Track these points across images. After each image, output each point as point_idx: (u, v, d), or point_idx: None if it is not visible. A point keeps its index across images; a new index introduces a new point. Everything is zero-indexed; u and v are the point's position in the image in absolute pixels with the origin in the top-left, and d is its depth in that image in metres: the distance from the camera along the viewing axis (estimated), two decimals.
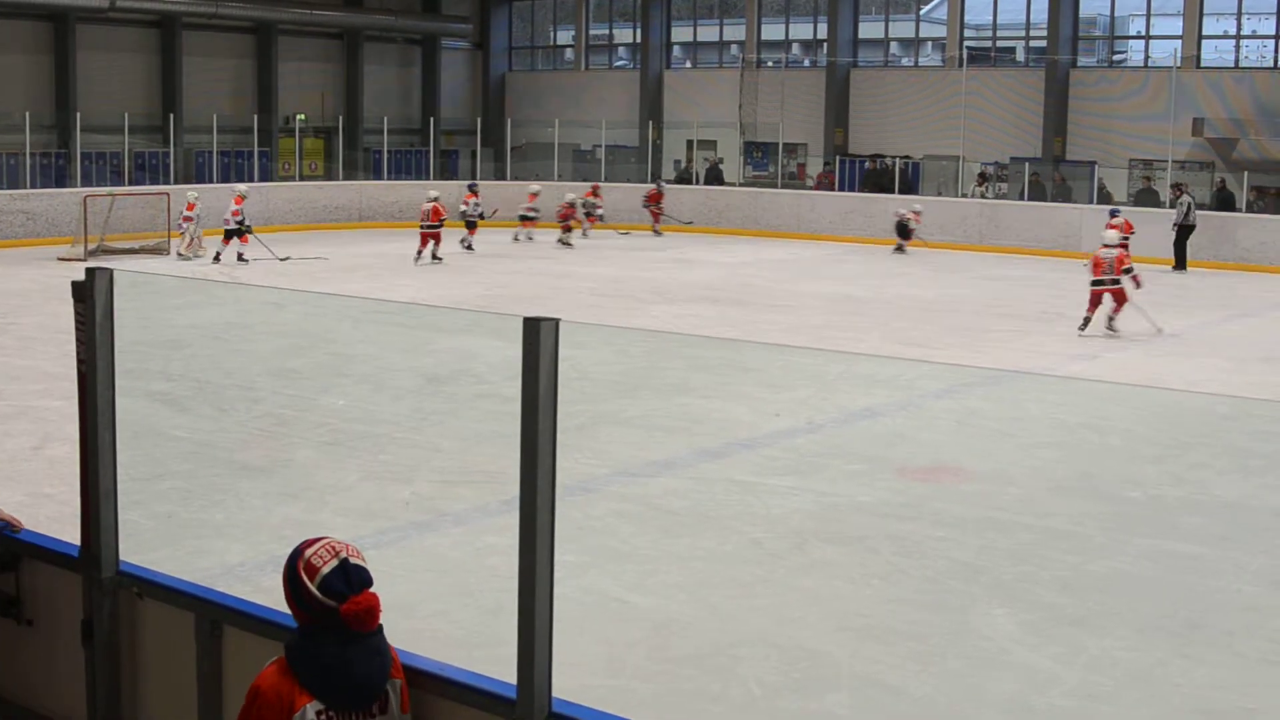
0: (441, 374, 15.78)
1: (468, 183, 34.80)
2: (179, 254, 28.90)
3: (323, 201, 37.74)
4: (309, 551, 3.88)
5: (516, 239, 33.92)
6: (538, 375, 3.68)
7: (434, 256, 28.50)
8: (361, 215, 38.06)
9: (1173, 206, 31.34)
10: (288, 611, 4.13)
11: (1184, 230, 30.26)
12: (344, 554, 3.86)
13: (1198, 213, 30.70)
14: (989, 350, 19.33)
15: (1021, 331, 21.34)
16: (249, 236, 28.27)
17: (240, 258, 28.06)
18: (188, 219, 29.18)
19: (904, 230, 33.33)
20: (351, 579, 3.83)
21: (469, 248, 30.41)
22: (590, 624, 7.75)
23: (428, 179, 40.30)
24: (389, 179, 40.34)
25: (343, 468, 11.39)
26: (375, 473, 11.26)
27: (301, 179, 40.32)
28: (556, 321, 3.69)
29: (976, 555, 9.48)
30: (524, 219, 34.23)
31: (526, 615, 3.86)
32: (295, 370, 15.93)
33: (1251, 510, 10.86)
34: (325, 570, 3.82)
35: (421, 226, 28.76)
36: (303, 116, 42.88)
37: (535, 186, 35.37)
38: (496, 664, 4.19)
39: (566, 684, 4.10)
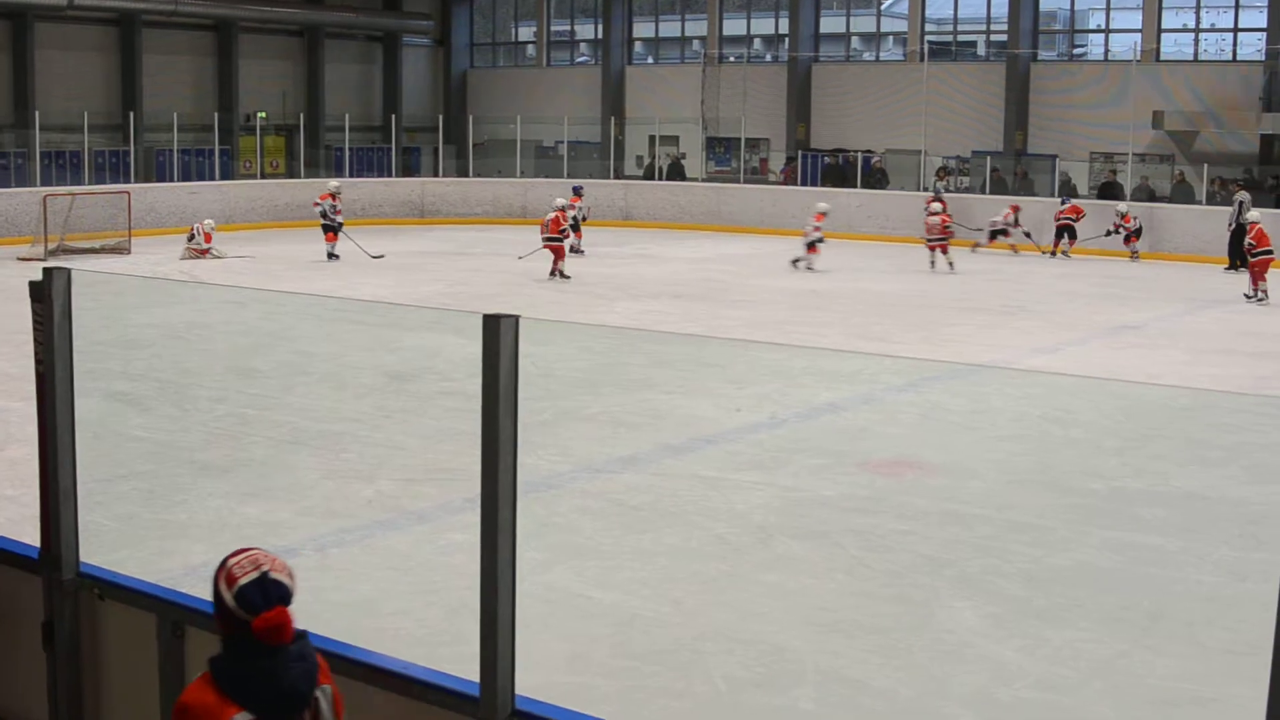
0: (404, 372, 15.75)
1: (574, 184, 34.45)
2: (189, 253, 28.74)
3: (284, 200, 37.56)
4: (232, 561, 3.81)
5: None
6: (498, 372, 3.68)
7: (561, 274, 25.58)
8: (323, 213, 37.91)
9: (1225, 205, 30.73)
10: None
11: (1240, 230, 29.64)
12: (266, 567, 3.78)
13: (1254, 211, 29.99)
14: (951, 344, 19.39)
15: (984, 325, 21.40)
16: (336, 234, 28.38)
17: (331, 255, 28.24)
18: (205, 249, 28.90)
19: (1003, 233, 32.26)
20: (269, 593, 3.73)
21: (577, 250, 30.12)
22: (554, 621, 7.74)
23: (389, 176, 40.22)
24: (351, 176, 40.21)
25: (305, 466, 11.36)
26: (337, 471, 11.22)
27: (263, 177, 40.19)
28: (516, 318, 3.69)
29: (940, 549, 9.51)
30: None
31: (489, 613, 3.86)
32: (257, 369, 15.88)
33: (1211, 501, 10.93)
34: (243, 581, 3.74)
35: (544, 239, 25.96)
36: (264, 114, 42.72)
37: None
38: (460, 662, 4.19)
39: (530, 681, 4.10)
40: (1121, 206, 31.78)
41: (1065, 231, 31.95)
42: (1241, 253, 28.66)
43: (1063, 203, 32.62)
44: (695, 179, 41.47)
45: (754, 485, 10.93)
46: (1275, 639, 2.85)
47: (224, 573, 3.78)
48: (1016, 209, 32.44)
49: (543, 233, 26.00)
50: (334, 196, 28.71)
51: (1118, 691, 7.21)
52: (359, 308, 21.55)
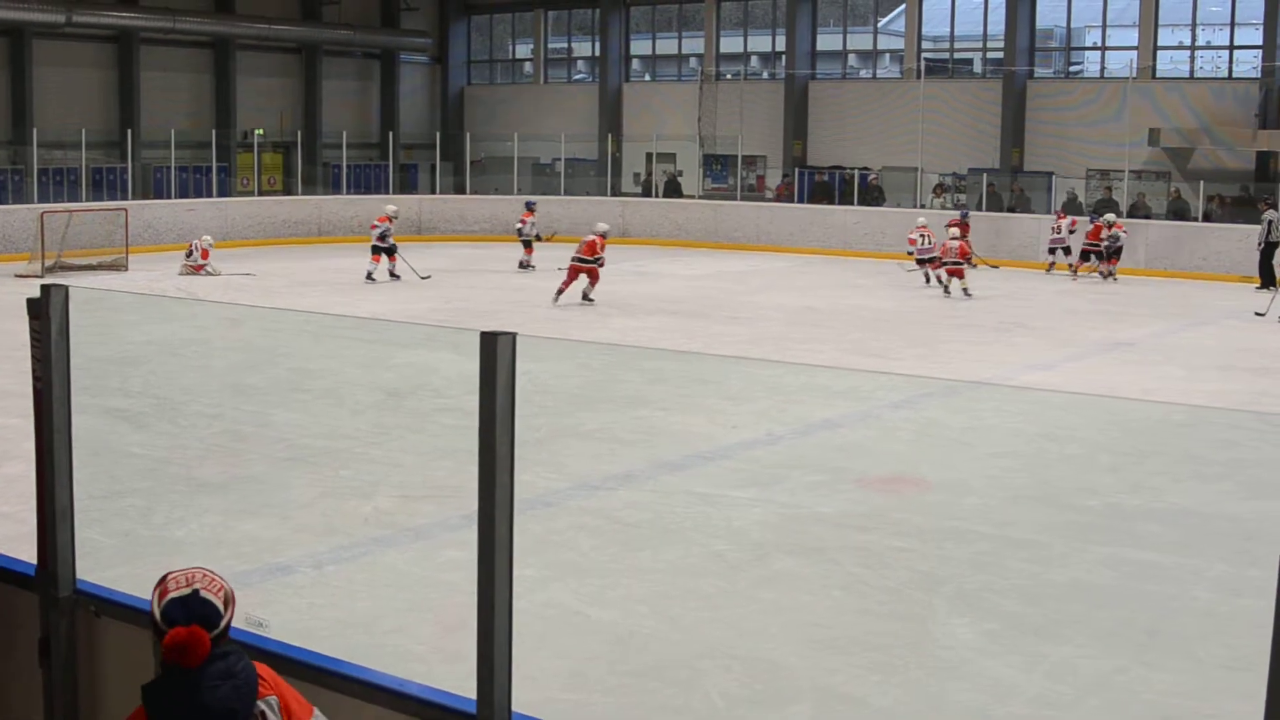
0: (401, 388, 15.75)
1: (526, 200, 34.55)
2: (187, 269, 28.73)
3: (282, 216, 37.60)
4: (171, 575, 3.73)
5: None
6: (495, 389, 3.68)
7: (585, 297, 24.96)
8: (320, 230, 37.93)
9: (1221, 223, 30.65)
10: (242, 628, 4.13)
11: (1270, 247, 29.52)
12: (198, 585, 3.68)
13: None
14: (947, 361, 19.40)
15: (981, 342, 21.42)
16: (396, 255, 28.31)
17: (392, 274, 28.19)
18: (201, 266, 28.92)
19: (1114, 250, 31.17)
20: (190, 611, 3.63)
21: (524, 266, 30.28)
22: (551, 638, 7.74)
23: (387, 194, 40.24)
24: (348, 194, 40.25)
25: (302, 483, 11.36)
26: (335, 488, 11.22)
27: (260, 194, 40.17)
28: (513, 335, 3.69)
29: (937, 565, 9.51)
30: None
31: (486, 630, 3.85)
32: (253, 386, 15.87)
33: (1208, 517, 10.92)
34: (171, 596, 3.66)
35: (576, 260, 25.20)
36: (261, 131, 42.74)
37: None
38: (457, 679, 4.18)
39: (528, 698, 4.10)
40: (1110, 217, 31.71)
41: (1091, 252, 31.49)
42: (1272, 271, 28.69)
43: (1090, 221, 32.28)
44: (692, 196, 41.53)
45: (751, 502, 10.93)
46: (1271, 655, 2.86)
47: (160, 585, 3.72)
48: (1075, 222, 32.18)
49: (576, 253, 25.29)
50: (391, 220, 28.56)
51: (1115, 708, 7.21)
52: (356, 324, 21.55)
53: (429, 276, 28.09)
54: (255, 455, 12.51)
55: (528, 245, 30.91)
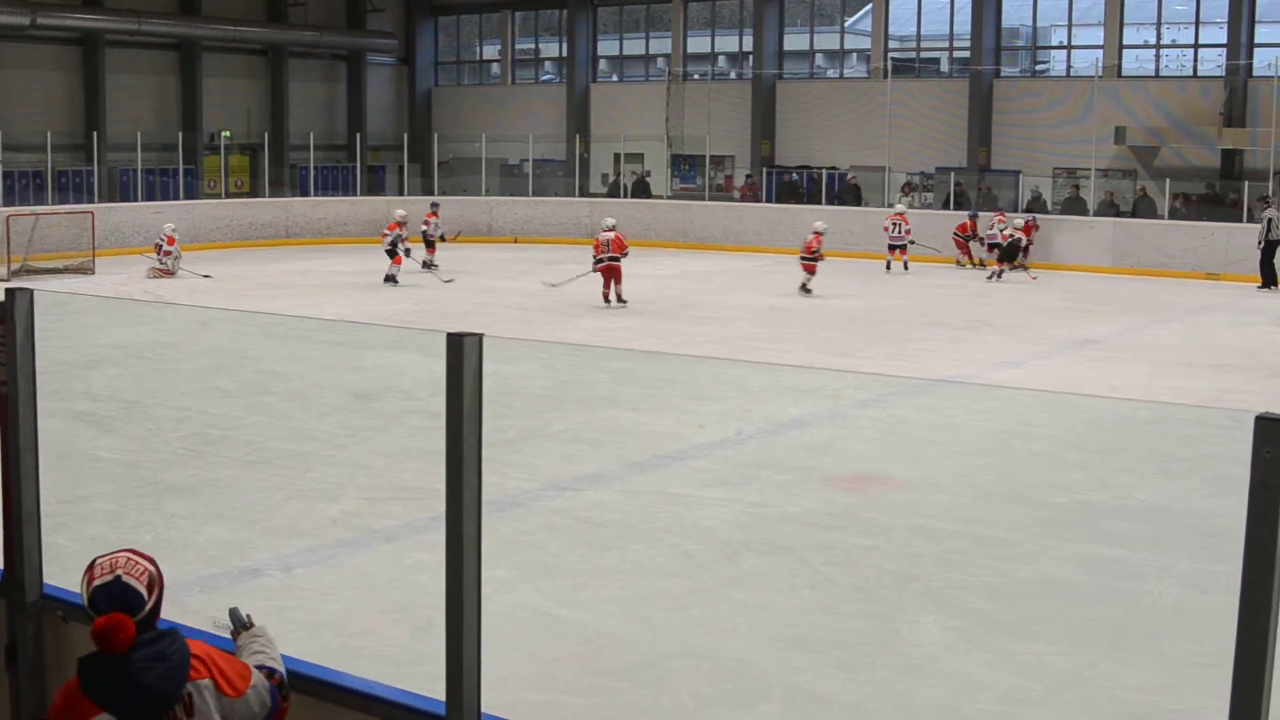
0: (369, 391, 15.72)
1: (431, 200, 34.36)
2: (153, 272, 28.58)
3: (248, 219, 37.53)
4: (99, 560, 3.76)
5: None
6: (462, 391, 3.68)
7: (619, 298, 24.80)
8: (288, 232, 37.86)
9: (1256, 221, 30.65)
10: (207, 631, 4.12)
11: (1270, 246, 29.60)
12: (121, 570, 3.71)
13: None
14: (915, 359, 19.45)
15: (948, 340, 21.47)
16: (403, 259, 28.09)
17: (392, 278, 28.11)
18: (168, 252, 28.83)
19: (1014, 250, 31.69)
20: (114, 598, 3.67)
21: (428, 266, 30.21)
22: (520, 639, 7.73)
23: (354, 195, 40.19)
24: (315, 195, 40.17)
25: (270, 486, 11.32)
26: (303, 491, 11.19)
27: (227, 196, 40.10)
28: (480, 337, 3.69)
29: (905, 563, 9.53)
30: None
31: (454, 631, 3.85)
32: (221, 388, 15.82)
33: (1175, 514, 10.98)
34: (96, 583, 3.70)
35: (596, 261, 25.04)
36: (227, 133, 42.64)
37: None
38: (427, 681, 4.18)
39: (497, 699, 4.10)
40: (1018, 221, 31.97)
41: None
42: (1273, 270, 28.81)
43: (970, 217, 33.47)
44: (660, 196, 41.56)
45: (719, 502, 10.94)
46: (1236, 650, 2.87)
47: (88, 571, 3.75)
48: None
49: (598, 253, 25.08)
50: (402, 225, 28.32)
51: (1084, 704, 7.24)
52: (323, 327, 21.52)
53: (452, 280, 27.85)
54: (222, 458, 12.47)
55: (430, 245, 30.85)
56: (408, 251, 27.86)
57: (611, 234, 24.95)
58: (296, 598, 8.66)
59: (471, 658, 3.86)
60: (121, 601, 3.67)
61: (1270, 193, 32.27)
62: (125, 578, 3.71)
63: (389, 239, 28.02)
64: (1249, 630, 2.85)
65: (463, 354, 3.66)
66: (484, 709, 3.95)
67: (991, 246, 32.23)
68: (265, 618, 7.91)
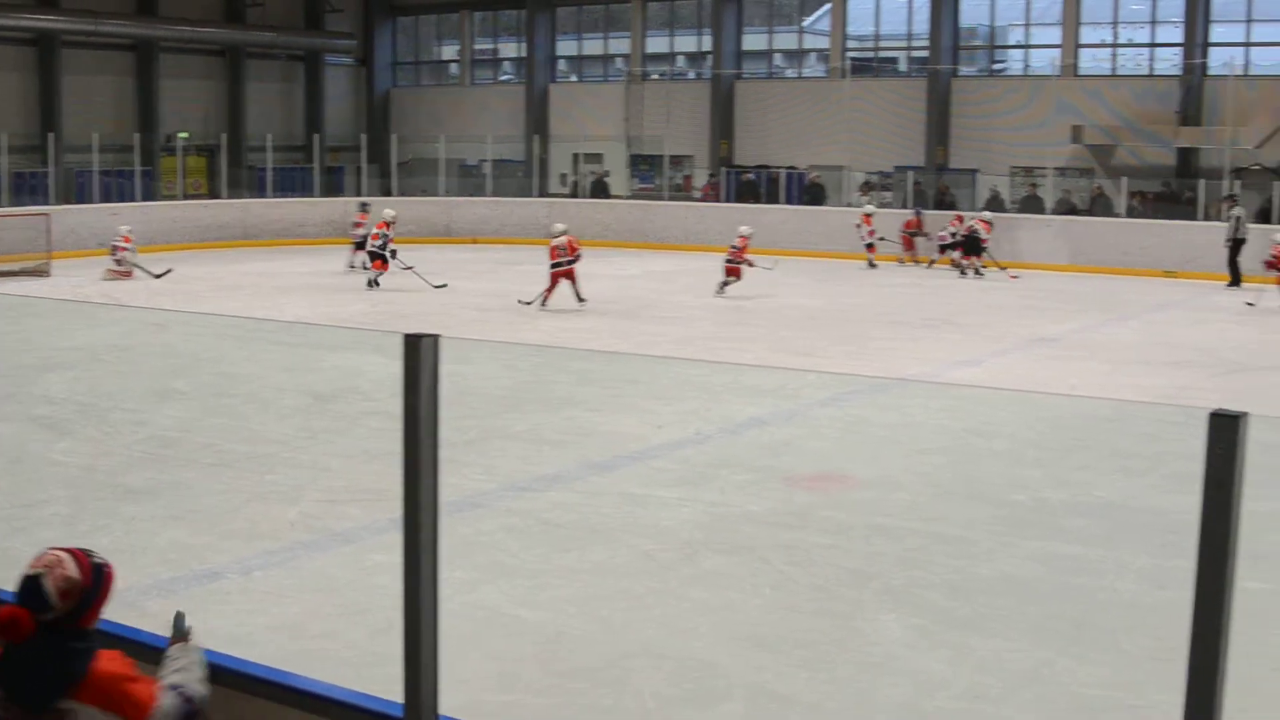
0: (327, 392, 15.67)
1: (359, 201, 33.82)
2: (109, 274, 28.36)
3: (206, 220, 37.33)
4: (47, 553, 3.90)
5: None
6: (419, 392, 3.67)
7: (579, 298, 24.45)
8: (246, 234, 37.67)
9: (1222, 220, 30.77)
10: (169, 635, 4.11)
11: (1237, 244, 29.70)
12: (44, 569, 3.83)
13: (1249, 225, 29.85)
14: (875, 358, 19.49)
15: (907, 338, 21.53)
16: (386, 263, 27.33)
17: (376, 282, 27.35)
18: (123, 249, 28.67)
19: (974, 245, 31.79)
20: (24, 592, 3.81)
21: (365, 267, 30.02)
22: (481, 640, 7.72)
23: (312, 196, 40.05)
24: (273, 197, 40.00)
25: (229, 489, 11.27)
26: (262, 493, 11.15)
27: (185, 198, 39.93)
28: (436, 338, 3.68)
29: (865, 562, 9.55)
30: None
31: (412, 632, 3.84)
32: (178, 391, 15.75)
33: (1134, 511, 11.03)
34: (27, 572, 3.84)
35: (557, 265, 24.61)
36: (185, 134, 42.48)
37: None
38: (387, 683, 4.17)
39: (458, 701, 4.09)
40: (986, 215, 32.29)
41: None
42: (1238, 268, 28.98)
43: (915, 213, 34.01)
44: (619, 196, 41.56)
45: (679, 502, 10.94)
46: (1191, 646, 2.89)
47: (36, 557, 3.88)
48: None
49: (556, 257, 24.58)
50: (390, 225, 27.70)
51: (1043, 700, 7.26)
52: (281, 328, 21.45)
53: (444, 285, 27.04)
54: (181, 461, 12.41)
55: (360, 246, 30.12)
56: (394, 253, 27.26)
57: (565, 238, 24.69)
58: (255, 600, 8.62)
59: (429, 659, 3.86)
60: (32, 600, 3.78)
61: (1227, 191, 32.48)
62: (45, 580, 3.80)
63: (379, 241, 27.40)
64: (1203, 625, 2.87)
65: (420, 355, 3.65)
66: (444, 710, 3.95)
67: (943, 248, 32.40)
68: (224, 620, 7.92)
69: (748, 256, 26.59)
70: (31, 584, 3.79)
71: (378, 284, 27.26)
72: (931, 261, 32.84)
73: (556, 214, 38.32)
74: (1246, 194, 32.17)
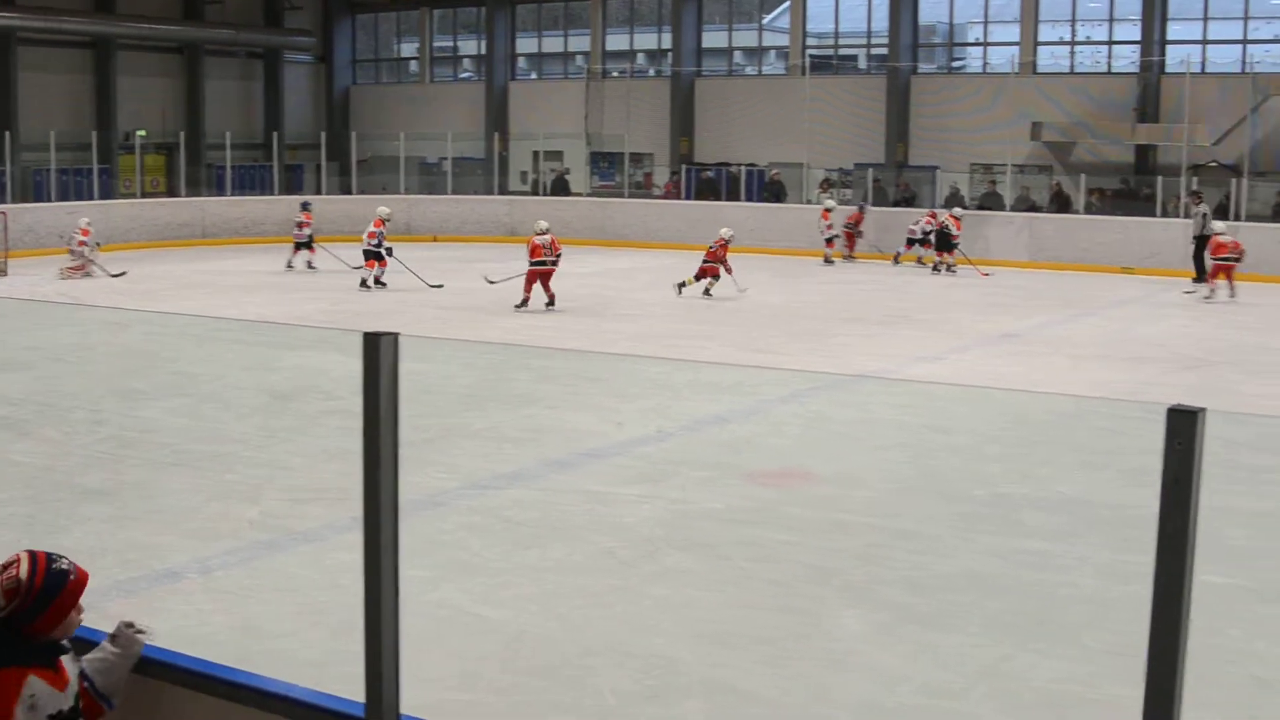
0: (287, 391, 15.63)
1: (301, 200, 33.47)
2: (62, 275, 28.12)
3: (165, 219, 37.15)
4: (14, 556, 3.96)
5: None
6: (378, 390, 3.66)
7: (551, 301, 23.95)
8: (205, 232, 37.51)
9: (1188, 217, 30.93)
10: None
11: (1202, 241, 29.87)
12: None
13: (1215, 223, 30.20)
14: (835, 354, 19.52)
15: (868, 335, 21.58)
16: (381, 261, 26.91)
17: (378, 281, 26.89)
18: (82, 242, 28.49)
19: (945, 241, 31.95)
20: None
21: (310, 266, 29.90)
22: (442, 638, 7.71)
23: (271, 194, 39.89)
24: (233, 195, 39.83)
25: (188, 488, 11.22)
26: (222, 492, 11.10)
27: (143, 196, 39.68)
28: (396, 336, 3.67)
29: (825, 558, 9.57)
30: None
31: (373, 632, 3.83)
32: (138, 390, 15.68)
33: (1094, 505, 11.08)
34: None
35: (539, 263, 24.08)
36: (143, 132, 42.24)
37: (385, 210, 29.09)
38: (348, 682, 4.15)
39: (419, 699, 4.08)
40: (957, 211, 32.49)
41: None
42: (1204, 265, 29.11)
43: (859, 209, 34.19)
44: (580, 194, 41.53)
45: (640, 499, 10.94)
46: (1150, 640, 2.90)
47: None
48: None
49: (539, 255, 24.05)
50: (385, 222, 27.34)
51: (1002, 695, 7.29)
52: (241, 327, 21.37)
53: (440, 286, 26.74)
54: (140, 461, 12.36)
55: (301, 246, 30.23)
56: (389, 251, 26.86)
57: (548, 236, 24.28)
58: (216, 600, 8.59)
59: (390, 658, 3.84)
60: None
61: (1185, 188, 32.65)
62: None
63: (374, 240, 26.92)
64: (1162, 620, 2.88)
65: (379, 353, 3.64)
66: (405, 710, 3.93)
67: (911, 242, 32.55)
68: (185, 621, 7.89)
69: (727, 259, 26.31)
70: None
71: (383, 283, 26.84)
72: (897, 256, 32.92)
73: (518, 212, 38.44)
74: (1204, 191, 32.33)
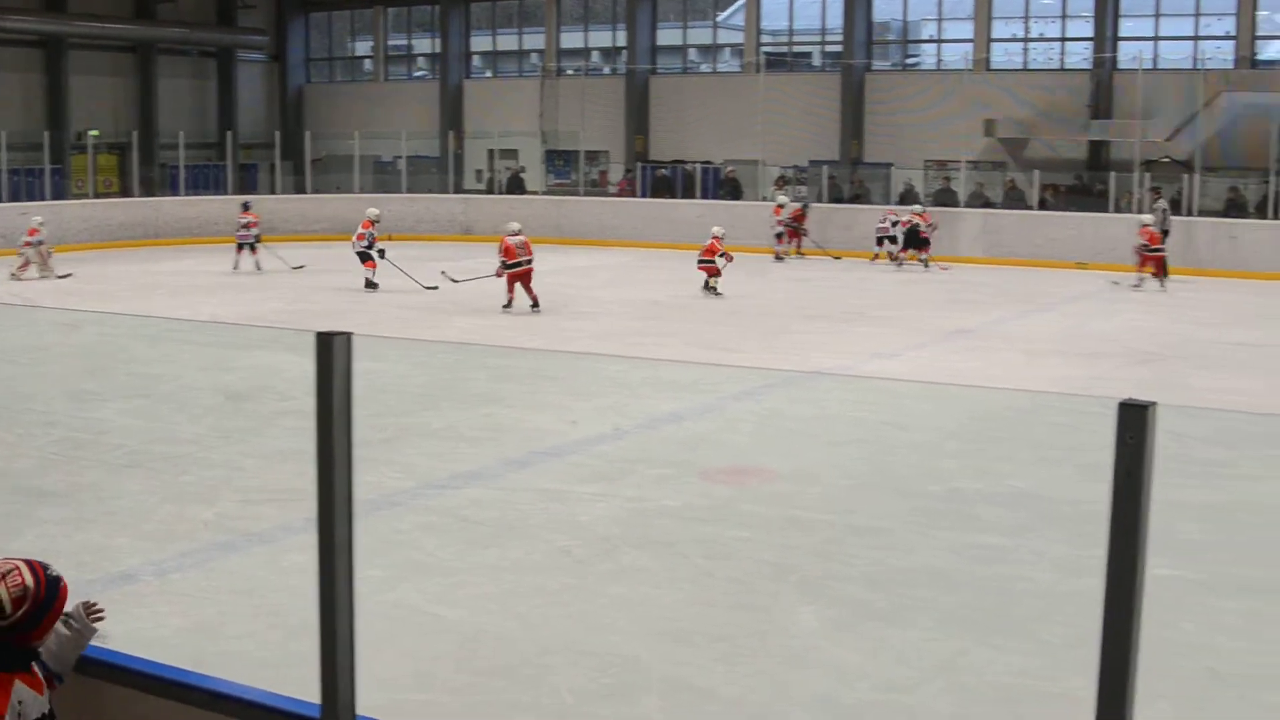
0: (242, 392, 15.57)
1: (241, 200, 32.79)
2: (12, 275, 27.87)
3: (119, 219, 36.94)
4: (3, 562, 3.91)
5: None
6: (331, 390, 3.64)
7: (535, 303, 23.61)
8: (158, 233, 37.32)
9: (1148, 212, 31.07)
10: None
11: (1162, 236, 30.00)
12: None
13: (1172, 218, 30.58)
14: (791, 351, 19.55)
15: (825, 332, 21.63)
16: (374, 263, 26.48)
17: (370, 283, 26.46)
18: (28, 243, 28.27)
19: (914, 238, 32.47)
20: None
21: (259, 268, 29.61)
22: (399, 638, 7.69)
23: (226, 194, 39.70)
24: (186, 195, 39.62)
25: (143, 490, 11.16)
26: (176, 494, 11.05)
27: (96, 196, 39.41)
28: (349, 335, 3.66)
29: (782, 554, 9.58)
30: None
31: (328, 632, 3.82)
32: (92, 392, 15.59)
33: (1049, 500, 11.12)
34: None
35: (513, 265, 23.75)
36: (96, 132, 41.97)
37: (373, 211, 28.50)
38: (304, 684, 4.14)
39: (376, 700, 4.07)
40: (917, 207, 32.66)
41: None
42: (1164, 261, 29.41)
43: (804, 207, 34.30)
44: (535, 192, 41.49)
45: (597, 497, 10.94)
46: (1103, 632, 2.92)
47: None
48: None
49: (513, 257, 23.73)
50: (375, 223, 26.94)
51: (959, 689, 7.31)
52: (195, 328, 21.27)
53: (435, 288, 26.29)
54: (95, 462, 12.29)
55: (243, 248, 29.83)
56: (381, 253, 26.52)
57: (522, 237, 23.99)
58: (171, 602, 8.55)
59: (346, 659, 3.83)
60: None
61: (1138, 184, 32.86)
62: None
63: (364, 241, 26.61)
64: (1115, 612, 2.89)
65: (332, 353, 3.62)
66: (362, 710, 3.92)
67: (881, 239, 32.69)
68: (140, 623, 7.84)
69: (722, 251, 26.50)
70: None
71: (375, 284, 26.40)
72: (875, 256, 33.03)
73: (474, 211, 38.37)
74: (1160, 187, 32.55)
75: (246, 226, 30.11)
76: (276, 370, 16.63)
